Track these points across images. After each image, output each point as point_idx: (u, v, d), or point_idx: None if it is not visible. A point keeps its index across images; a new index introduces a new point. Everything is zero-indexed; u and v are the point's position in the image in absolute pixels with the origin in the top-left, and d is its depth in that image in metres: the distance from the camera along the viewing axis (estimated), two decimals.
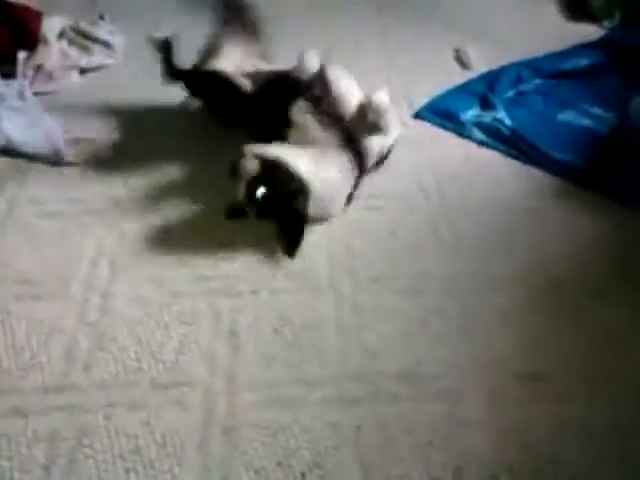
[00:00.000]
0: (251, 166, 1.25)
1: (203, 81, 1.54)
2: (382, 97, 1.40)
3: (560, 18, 2.15)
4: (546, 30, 2.06)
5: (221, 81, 1.49)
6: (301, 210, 1.28)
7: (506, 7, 2.21)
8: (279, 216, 1.29)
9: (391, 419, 1.04)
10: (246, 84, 1.48)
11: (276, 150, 1.30)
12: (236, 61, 1.53)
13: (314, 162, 1.32)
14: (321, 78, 1.42)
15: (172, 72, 1.56)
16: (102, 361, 1.11)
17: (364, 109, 1.39)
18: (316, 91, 1.42)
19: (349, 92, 1.44)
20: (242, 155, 1.27)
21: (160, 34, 1.59)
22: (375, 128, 1.40)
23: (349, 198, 1.39)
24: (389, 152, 1.49)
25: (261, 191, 1.24)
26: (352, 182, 1.39)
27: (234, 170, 1.27)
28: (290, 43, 1.91)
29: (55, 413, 1.03)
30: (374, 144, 1.42)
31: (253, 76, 1.50)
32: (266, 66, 1.55)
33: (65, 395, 1.06)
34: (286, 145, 1.36)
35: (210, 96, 1.56)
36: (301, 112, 1.39)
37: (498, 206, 1.46)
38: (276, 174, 1.26)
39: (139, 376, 1.09)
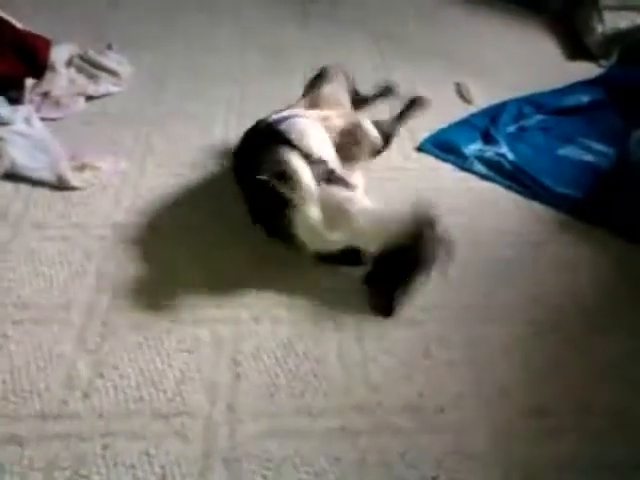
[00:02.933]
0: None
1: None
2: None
3: (559, 56, 2.20)
4: (545, 67, 2.10)
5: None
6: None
7: (506, 44, 2.25)
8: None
9: (395, 453, 1.02)
10: None
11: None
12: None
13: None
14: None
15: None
16: (102, 389, 1.09)
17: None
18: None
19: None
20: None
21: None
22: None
23: None
24: None
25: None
26: None
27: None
28: (284, 78, 1.96)
29: (52, 442, 1.01)
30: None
31: None
32: None
33: (63, 423, 1.04)
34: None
35: None
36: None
37: (500, 239, 1.47)
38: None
39: (139, 405, 1.07)
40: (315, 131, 1.40)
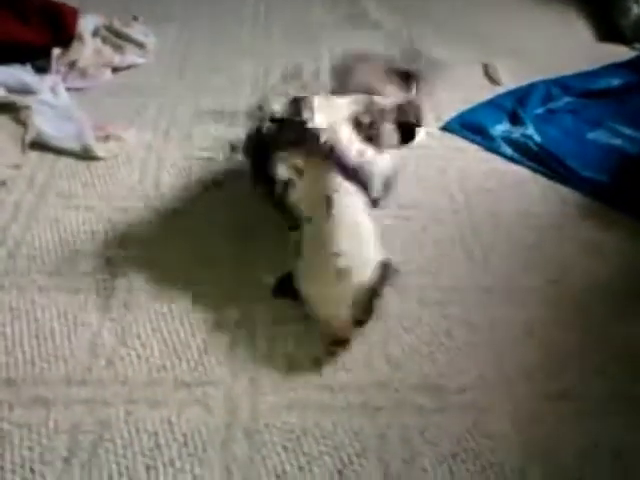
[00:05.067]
0: None
1: None
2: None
3: (590, 38, 2.15)
4: (576, 49, 2.06)
5: None
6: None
7: (536, 25, 2.21)
8: None
9: (415, 429, 1.03)
10: None
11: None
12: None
13: None
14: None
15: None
16: (125, 357, 1.10)
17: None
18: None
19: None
20: None
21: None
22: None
23: None
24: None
25: None
26: None
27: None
28: (309, 54, 1.93)
29: (77, 406, 1.03)
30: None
31: None
32: None
33: (87, 389, 1.05)
34: None
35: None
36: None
37: (524, 221, 1.45)
38: None
39: (162, 374, 1.08)
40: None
